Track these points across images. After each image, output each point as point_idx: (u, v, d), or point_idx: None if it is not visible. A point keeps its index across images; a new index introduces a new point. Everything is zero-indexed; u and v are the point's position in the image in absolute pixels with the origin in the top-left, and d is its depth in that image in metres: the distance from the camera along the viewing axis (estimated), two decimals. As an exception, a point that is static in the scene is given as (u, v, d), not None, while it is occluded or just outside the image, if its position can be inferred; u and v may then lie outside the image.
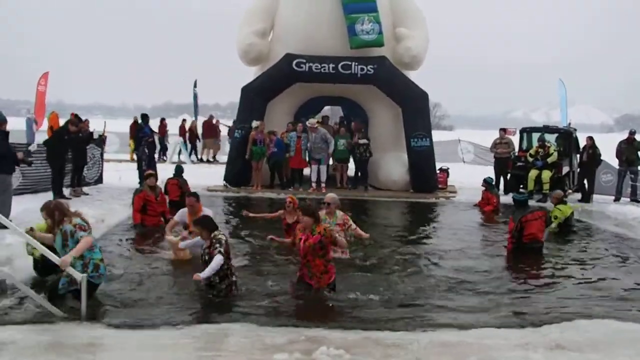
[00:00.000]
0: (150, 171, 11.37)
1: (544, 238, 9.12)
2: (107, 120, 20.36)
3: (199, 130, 23.62)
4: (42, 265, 6.67)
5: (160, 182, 11.63)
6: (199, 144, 23.76)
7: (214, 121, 23.83)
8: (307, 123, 14.76)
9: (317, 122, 15.43)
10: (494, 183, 14.20)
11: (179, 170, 12.29)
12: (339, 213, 8.30)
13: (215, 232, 6.32)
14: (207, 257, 6.21)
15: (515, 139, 16.88)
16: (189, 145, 23.50)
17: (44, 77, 25.39)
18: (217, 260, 6.01)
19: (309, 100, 16.23)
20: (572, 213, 10.69)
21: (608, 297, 6.72)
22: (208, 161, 22.96)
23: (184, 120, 24.65)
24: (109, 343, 4.94)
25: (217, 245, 6.18)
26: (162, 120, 24.33)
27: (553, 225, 10.45)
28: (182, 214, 8.44)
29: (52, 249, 5.86)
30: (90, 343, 4.88)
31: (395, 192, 14.91)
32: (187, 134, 23.49)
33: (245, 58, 15.56)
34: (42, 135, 18.53)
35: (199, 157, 23.52)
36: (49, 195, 12.34)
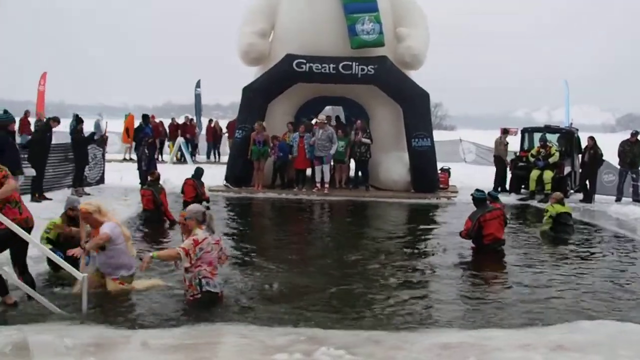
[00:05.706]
0: (156, 174, 11.36)
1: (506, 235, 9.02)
2: (108, 120, 20.35)
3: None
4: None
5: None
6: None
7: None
8: (317, 118, 14.64)
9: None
10: (495, 184, 14.24)
11: (198, 172, 12.29)
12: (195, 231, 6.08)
13: None
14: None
15: (516, 139, 16.84)
16: (212, 146, 23.97)
17: (42, 77, 25.59)
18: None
19: (309, 100, 16.22)
20: (568, 213, 10.54)
21: (610, 297, 6.70)
22: None
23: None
24: (109, 343, 4.92)
25: None
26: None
27: (544, 220, 10.43)
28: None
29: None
30: (90, 343, 4.86)
31: (396, 192, 14.87)
32: (212, 134, 23.96)
33: (246, 58, 15.54)
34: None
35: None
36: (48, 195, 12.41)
